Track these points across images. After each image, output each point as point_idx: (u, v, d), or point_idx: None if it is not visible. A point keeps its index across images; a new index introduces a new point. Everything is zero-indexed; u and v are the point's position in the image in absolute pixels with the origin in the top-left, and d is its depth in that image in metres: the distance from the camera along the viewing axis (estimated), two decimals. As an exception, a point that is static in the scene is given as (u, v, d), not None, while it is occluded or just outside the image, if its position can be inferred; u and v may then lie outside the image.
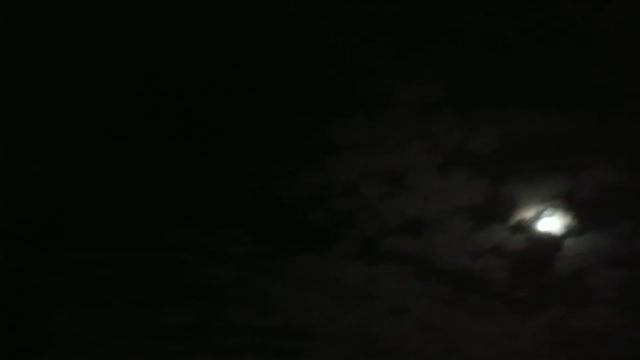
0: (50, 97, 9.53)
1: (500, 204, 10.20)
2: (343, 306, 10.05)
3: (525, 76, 11.56)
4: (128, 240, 10.16)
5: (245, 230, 10.53)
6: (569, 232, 9.81)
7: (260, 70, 13.49)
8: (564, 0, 9.54)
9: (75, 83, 9.62)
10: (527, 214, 10.10)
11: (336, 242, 10.42)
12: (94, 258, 9.22)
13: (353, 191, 11.35)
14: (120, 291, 9.04)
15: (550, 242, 9.56)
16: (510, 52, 11.51)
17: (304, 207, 10.96)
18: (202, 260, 10.17)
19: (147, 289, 9.25)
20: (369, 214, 10.67)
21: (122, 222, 10.94)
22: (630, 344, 8.53)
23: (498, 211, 10.14)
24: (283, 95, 13.63)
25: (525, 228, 9.88)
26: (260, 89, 13.81)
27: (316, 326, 9.78)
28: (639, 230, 9.28)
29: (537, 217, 10.04)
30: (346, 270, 10.24)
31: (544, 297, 9.14)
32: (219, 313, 9.54)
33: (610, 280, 9.05)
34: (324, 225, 10.55)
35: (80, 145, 11.39)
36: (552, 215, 9.96)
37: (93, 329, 8.36)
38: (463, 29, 11.94)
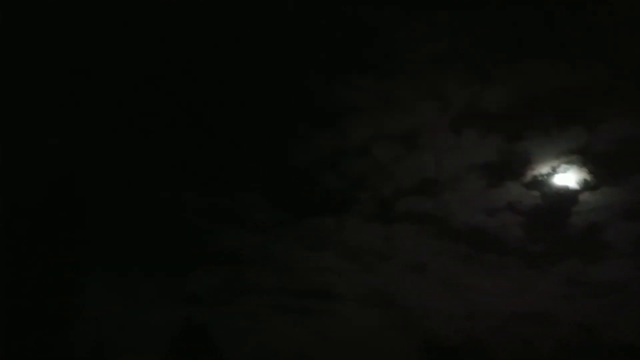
0: (71, 82, 9.49)
1: (515, 160, 10.35)
2: (361, 266, 10.37)
3: (537, 29, 11.13)
4: (152, 211, 10.27)
5: (263, 195, 10.67)
6: (584, 187, 10.01)
7: (271, 35, 12.77)
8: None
9: (91, 67, 9.59)
10: (542, 169, 10.28)
11: (352, 205, 10.63)
12: (121, 230, 9.35)
13: (366, 153, 11.37)
14: (147, 259, 9.26)
15: (566, 197, 9.80)
16: (521, 5, 10.99)
17: (318, 171, 11.03)
18: (224, 226, 10.37)
19: (173, 256, 9.46)
20: (382, 175, 10.83)
21: (145, 194, 10.94)
22: None
23: (513, 168, 10.32)
24: (293, 58, 13.02)
25: (540, 184, 10.10)
26: (271, 53, 13.13)
27: (336, 286, 10.16)
28: None
29: (553, 172, 10.23)
30: (363, 232, 10.53)
31: (559, 251, 9.47)
32: (242, 276, 9.85)
33: (625, 233, 9.34)
34: (338, 188, 10.71)
35: (101, 121, 11.07)
36: (567, 171, 10.15)
37: (123, 297, 8.63)
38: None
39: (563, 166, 10.27)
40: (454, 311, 9.82)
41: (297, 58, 12.87)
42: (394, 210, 10.83)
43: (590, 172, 9.90)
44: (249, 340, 9.94)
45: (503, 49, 11.73)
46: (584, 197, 9.99)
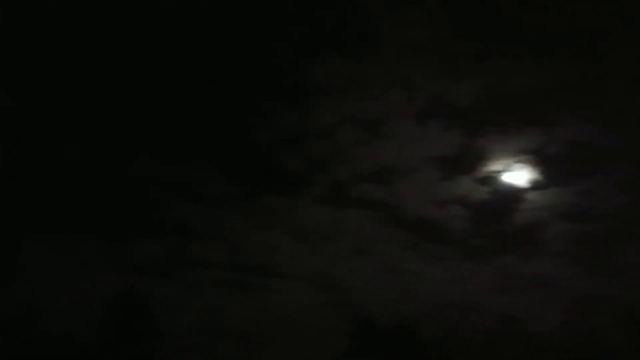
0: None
1: (472, 155, 10.73)
2: (308, 247, 10.82)
3: (513, 28, 11.37)
4: (101, 175, 10.56)
5: (219, 169, 11.01)
6: (533, 186, 10.48)
7: (247, 7, 12.99)
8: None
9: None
10: (496, 166, 10.69)
11: (307, 186, 11.03)
12: (67, 192, 9.64)
13: (329, 136, 11.68)
14: (92, 225, 9.59)
15: (513, 195, 10.27)
16: (501, 3, 11.22)
17: (278, 150, 11.35)
18: (175, 196, 10.74)
19: (119, 223, 9.83)
20: (342, 159, 11.19)
21: (95, 157, 11.23)
22: (574, 292, 9.52)
23: (468, 163, 10.71)
24: (265, 33, 13.19)
25: (491, 180, 10.55)
26: (243, 25, 13.34)
27: (281, 265, 10.61)
28: (598, 188, 9.97)
29: (505, 170, 10.65)
30: (315, 214, 10.96)
31: (498, 246, 10.02)
32: (188, 248, 10.26)
33: (562, 233, 9.89)
34: (296, 169, 11.08)
35: (49, 82, 11.34)
36: (519, 169, 10.57)
37: (65, 261, 8.98)
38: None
39: (515, 165, 10.70)
40: (392, 296, 10.39)
41: (270, 32, 13.03)
42: (348, 195, 11.28)
43: (541, 172, 10.35)
44: (188, 313, 10.43)
45: (477, 44, 11.95)
46: (531, 196, 10.48)
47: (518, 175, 10.99)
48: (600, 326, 9.70)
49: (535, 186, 10.75)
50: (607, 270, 9.67)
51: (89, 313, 9.46)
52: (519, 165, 11.26)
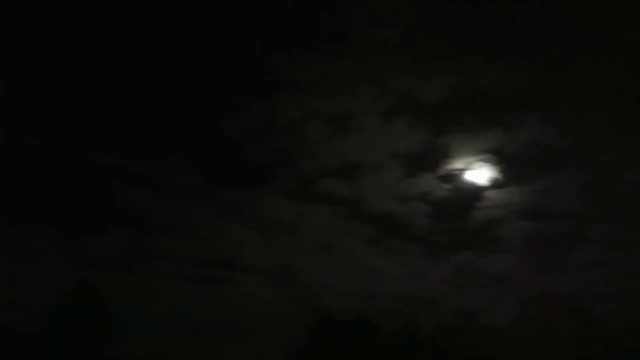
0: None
1: (436, 153, 10.97)
2: (271, 241, 10.90)
3: (483, 30, 11.61)
4: (62, 165, 10.36)
5: (184, 161, 10.95)
6: (493, 185, 10.81)
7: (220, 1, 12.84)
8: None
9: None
10: (458, 164, 10.96)
11: (272, 180, 11.10)
12: (25, 181, 9.42)
13: (296, 130, 11.74)
14: (49, 215, 9.38)
15: (473, 193, 10.58)
16: (472, 5, 11.44)
17: (245, 143, 11.36)
18: (138, 187, 10.65)
19: (78, 214, 9.67)
20: (308, 154, 11.28)
21: (57, 146, 11.00)
22: (527, 288, 9.89)
23: (432, 160, 10.95)
24: (238, 27, 13.17)
25: (453, 178, 10.82)
26: (216, 19, 13.30)
27: (243, 258, 10.67)
28: (554, 188, 10.36)
29: (466, 168, 10.93)
30: (278, 208, 11.03)
31: (457, 242, 10.33)
32: (148, 241, 10.19)
33: (517, 230, 10.26)
34: (262, 162, 11.12)
35: (15, 70, 11.05)
36: (480, 168, 10.86)
37: (18, 252, 8.77)
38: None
39: (477, 163, 11.00)
40: (352, 290, 10.60)
41: (242, 27, 12.99)
42: (312, 189, 11.39)
43: (500, 171, 10.68)
44: (147, 307, 10.37)
45: (447, 43, 12.16)
46: (490, 194, 10.82)
47: (479, 174, 11.33)
48: (551, 321, 10.12)
49: (494, 185, 11.11)
50: (559, 268, 10.12)
51: (42, 305, 9.28)
52: (480, 164, 11.59)
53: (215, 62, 12.59)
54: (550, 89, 11.07)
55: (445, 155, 11.25)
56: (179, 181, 11.71)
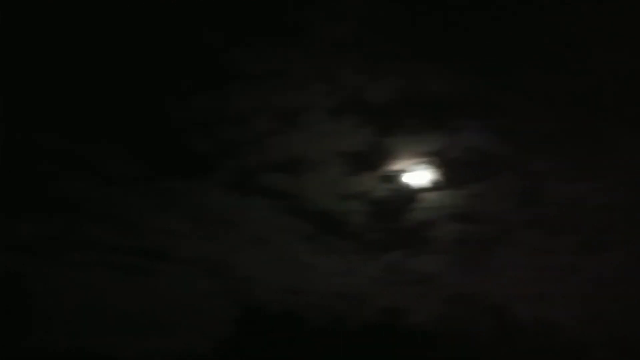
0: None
1: (379, 153, 11.35)
2: (206, 233, 10.96)
3: (434, 35, 12.04)
4: None
5: (123, 146, 10.76)
6: (429, 187, 11.33)
7: None
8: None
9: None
10: (399, 166, 11.40)
11: (214, 171, 11.12)
12: None
13: (244, 122, 11.80)
14: None
15: (411, 194, 11.05)
16: (427, 10, 11.83)
17: (189, 131, 11.31)
18: (71, 171, 10.37)
19: (5, 197, 9.28)
20: (253, 147, 11.38)
21: None
22: (451, 288, 10.52)
23: (374, 160, 11.33)
24: (193, 13, 13.04)
25: (393, 178, 11.25)
26: (170, 3, 13.08)
27: (175, 250, 10.64)
28: (486, 193, 10.98)
29: (407, 170, 11.39)
30: (217, 200, 11.09)
31: (390, 241, 10.79)
32: (78, 228, 9.99)
33: (447, 232, 10.84)
34: (205, 153, 11.12)
35: None
36: (420, 170, 11.35)
37: None
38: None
39: (417, 166, 11.48)
40: (283, 285, 10.84)
41: (197, 13, 12.88)
42: (254, 182, 11.51)
43: (439, 174, 11.20)
44: (72, 297, 10.21)
45: (399, 46, 12.53)
46: (427, 196, 11.33)
47: (418, 176, 11.83)
48: (471, 321, 10.83)
49: (431, 187, 11.63)
50: (482, 270, 10.78)
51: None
52: (420, 166, 12.09)
53: (166, 45, 12.42)
54: (492, 98, 11.70)
55: (388, 156, 11.69)
56: (114, 167, 11.50)
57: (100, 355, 10.65)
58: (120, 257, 11.20)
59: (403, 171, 12.16)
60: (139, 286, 10.67)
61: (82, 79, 12.54)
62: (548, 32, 12.19)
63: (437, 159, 11.96)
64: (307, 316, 10.42)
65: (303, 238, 11.52)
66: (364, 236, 11.30)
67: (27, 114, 12.08)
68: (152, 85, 12.67)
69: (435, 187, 11.95)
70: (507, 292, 10.92)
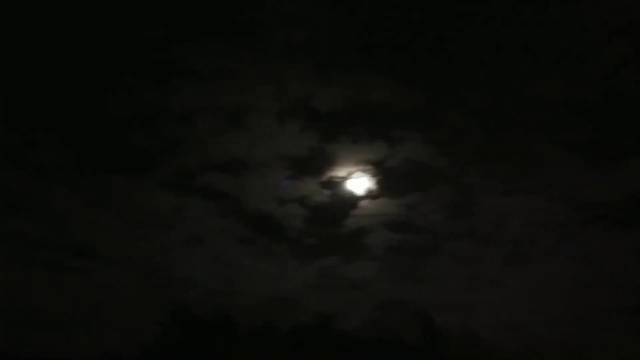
0: None
1: (321, 159, 11.65)
2: (140, 232, 10.78)
3: (383, 48, 12.53)
4: None
5: (58, 137, 10.41)
6: (368, 195, 11.74)
7: None
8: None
9: None
10: (340, 172, 11.75)
11: (152, 168, 11.00)
12: None
13: (187, 120, 11.76)
14: None
15: (349, 201, 11.40)
16: (385, 17, 12.29)
17: (130, 126, 11.15)
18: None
19: None
20: (195, 145, 11.37)
21: None
22: (382, 294, 10.90)
23: (316, 166, 11.61)
24: (143, 6, 12.93)
25: (333, 185, 11.56)
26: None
27: (107, 248, 10.37)
28: (421, 203, 11.50)
29: (347, 177, 11.75)
30: (154, 198, 10.96)
31: (327, 247, 11.07)
32: (1, 220, 9.48)
33: (383, 240, 11.25)
34: (145, 148, 11.00)
35: None
36: (360, 178, 11.74)
37: None
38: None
39: (358, 173, 11.89)
40: (216, 287, 10.85)
41: (148, 6, 12.78)
42: (193, 182, 11.48)
43: (377, 183, 11.64)
44: None
45: (349, 55, 12.93)
46: (364, 203, 11.74)
47: (358, 183, 12.23)
48: (400, 327, 11.26)
49: (370, 195, 12.06)
50: (413, 277, 11.25)
51: None
52: (360, 174, 12.51)
53: (112, 36, 12.20)
54: (432, 113, 12.32)
55: (330, 162, 12.00)
56: (48, 158, 11.07)
57: (21, 357, 10.17)
58: (44, 253, 10.74)
59: (344, 178, 12.54)
60: (64, 284, 10.30)
61: (20, 67, 12.07)
62: (488, 55, 13.04)
63: (377, 167, 12.44)
64: (238, 319, 10.45)
65: (239, 240, 11.59)
66: (301, 240, 11.49)
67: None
68: (93, 76, 12.39)
69: (373, 195, 12.41)
70: (435, 300, 11.50)
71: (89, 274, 10.95)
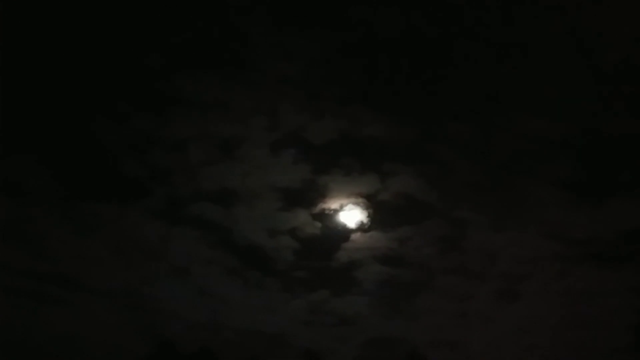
0: None
1: (314, 191, 11.83)
2: (126, 262, 10.71)
3: (380, 82, 13.03)
4: None
5: (45, 162, 10.50)
6: (359, 228, 11.88)
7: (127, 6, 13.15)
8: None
9: None
10: (332, 205, 11.92)
11: (142, 197, 11.07)
12: None
13: (180, 149, 11.97)
14: None
15: (341, 234, 11.49)
16: (380, 51, 12.85)
17: (121, 154, 11.29)
18: None
19: None
20: (188, 175, 11.51)
21: None
22: (371, 330, 10.88)
23: (309, 197, 11.78)
24: (139, 36, 13.46)
25: (325, 217, 11.71)
26: (116, 22, 13.44)
27: (90, 278, 10.25)
28: (413, 237, 11.64)
29: (339, 209, 11.93)
30: (142, 227, 10.97)
31: (316, 281, 11.05)
32: None
33: (374, 274, 11.30)
34: (135, 177, 11.10)
35: None
36: (352, 210, 11.94)
37: None
38: (347, 18, 12.96)
39: (350, 206, 12.07)
40: (201, 320, 10.77)
41: (143, 36, 13.22)
42: (183, 212, 11.58)
43: (369, 216, 11.80)
44: None
45: (344, 88, 13.39)
46: (356, 236, 11.86)
47: (350, 216, 12.41)
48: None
49: (361, 228, 12.21)
50: (403, 313, 11.29)
51: None
52: (352, 206, 12.73)
53: (109, 62, 12.55)
54: (423, 146, 12.69)
55: (323, 194, 12.20)
56: (34, 183, 11.14)
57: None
58: (30, 283, 10.60)
59: (336, 210, 12.74)
60: (42, 315, 10.18)
61: (8, 89, 12.30)
62: (479, 91, 13.59)
63: (369, 200, 12.67)
64: (223, 355, 10.37)
65: (227, 272, 11.51)
66: (291, 273, 11.38)
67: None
68: (84, 102, 12.62)
69: (365, 228, 12.59)
70: (427, 337, 11.50)
71: (69, 304, 10.83)
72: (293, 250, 12.23)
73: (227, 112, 14.55)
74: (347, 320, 11.09)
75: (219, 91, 14.46)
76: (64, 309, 10.45)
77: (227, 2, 13.29)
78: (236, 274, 11.40)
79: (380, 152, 14.89)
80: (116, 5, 12.34)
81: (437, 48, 12.95)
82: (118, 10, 12.24)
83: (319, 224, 12.59)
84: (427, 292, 11.73)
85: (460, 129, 13.79)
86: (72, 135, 12.52)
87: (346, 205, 13.22)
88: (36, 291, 9.88)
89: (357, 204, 13.17)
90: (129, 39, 12.69)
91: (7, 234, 10.56)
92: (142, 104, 12.86)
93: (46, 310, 9.94)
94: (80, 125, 11.91)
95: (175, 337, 10.29)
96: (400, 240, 12.53)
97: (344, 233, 12.23)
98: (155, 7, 12.90)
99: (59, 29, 11.95)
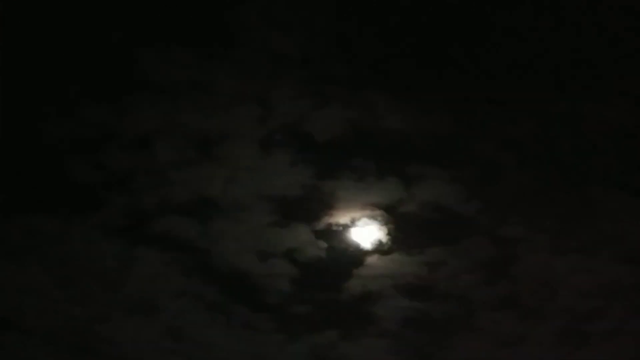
0: None
1: (317, 201, 9.48)
2: (72, 293, 8.82)
3: (399, 59, 10.56)
4: None
5: None
6: (376, 249, 9.56)
7: None
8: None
9: None
10: (341, 218, 9.56)
11: (95, 209, 8.88)
12: None
13: (145, 147, 9.58)
14: None
15: (353, 256, 9.20)
16: (402, 17, 10.35)
17: (70, 154, 9.04)
18: None
19: None
20: (154, 180, 9.16)
21: None
22: None
23: (311, 209, 9.41)
24: (98, 6, 10.91)
25: (332, 234, 9.37)
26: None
27: (26, 315, 8.51)
28: (448, 262, 9.30)
29: (351, 224, 9.54)
30: (95, 248, 8.86)
31: (322, 318, 8.90)
32: None
33: (396, 310, 9.06)
34: (87, 183, 8.80)
35: None
36: (367, 226, 9.60)
37: None
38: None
39: (364, 220, 9.72)
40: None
41: (103, 7, 10.94)
42: (148, 227, 9.30)
43: (389, 233, 9.51)
44: None
45: (354, 68, 10.92)
46: (372, 260, 9.68)
47: (364, 233, 10.08)
48: None
49: (380, 249, 9.92)
50: (435, 360, 9.22)
51: None
52: (367, 220, 10.40)
53: (50, 35, 10.24)
54: (462, 144, 10.26)
55: (329, 204, 9.87)
56: None
57: None
58: None
59: (346, 226, 10.39)
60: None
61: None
62: (532, 69, 11.16)
63: (389, 213, 10.34)
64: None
65: (206, 306, 9.50)
66: (288, 309, 9.62)
67: None
68: (18, 86, 10.42)
69: (384, 249, 10.31)
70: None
71: (2, 348, 9.11)
72: (290, 278, 10.08)
73: (207, 98, 12.25)
74: (361, 371, 9.21)
75: (196, 72, 12.14)
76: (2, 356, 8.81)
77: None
78: (217, 309, 9.50)
79: (402, 150, 12.56)
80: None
81: (478, 11, 10.45)
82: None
83: (324, 244, 10.33)
84: (465, 334, 9.85)
85: (509, 119, 11.38)
86: (8, 131, 10.42)
87: (359, 219, 10.86)
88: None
89: (373, 217, 10.81)
90: (77, 4, 10.37)
91: None
92: (94, 89, 10.62)
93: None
94: (13, 116, 9.71)
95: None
96: (430, 265, 10.26)
97: (357, 256, 9.98)
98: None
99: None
